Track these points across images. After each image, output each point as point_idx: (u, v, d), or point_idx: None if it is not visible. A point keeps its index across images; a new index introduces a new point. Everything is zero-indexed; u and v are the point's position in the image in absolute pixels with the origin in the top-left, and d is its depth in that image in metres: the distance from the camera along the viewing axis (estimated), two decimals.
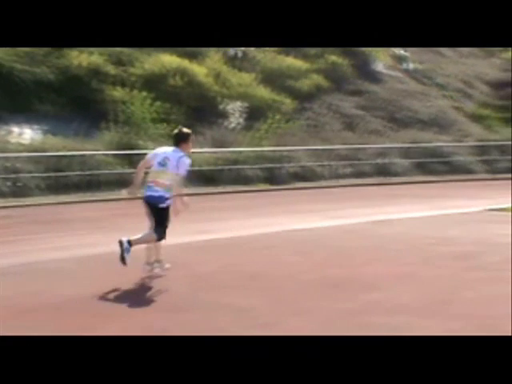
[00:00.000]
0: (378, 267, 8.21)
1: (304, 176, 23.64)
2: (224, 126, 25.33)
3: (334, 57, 30.51)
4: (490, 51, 35.71)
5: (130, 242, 7.35)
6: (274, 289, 7.13)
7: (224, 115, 26.18)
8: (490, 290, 6.89)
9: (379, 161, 25.31)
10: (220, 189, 20.95)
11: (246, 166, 22.73)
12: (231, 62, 28.76)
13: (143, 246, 7.77)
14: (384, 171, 24.85)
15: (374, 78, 31.47)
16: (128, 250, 7.30)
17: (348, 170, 24.77)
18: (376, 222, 12.50)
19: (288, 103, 27.56)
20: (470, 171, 26.15)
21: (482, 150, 27.35)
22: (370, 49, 31.62)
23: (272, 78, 28.25)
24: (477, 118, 30.56)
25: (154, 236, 7.56)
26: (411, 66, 33.53)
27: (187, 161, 7.61)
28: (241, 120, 26.11)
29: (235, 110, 26.34)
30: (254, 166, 22.90)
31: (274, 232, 11.31)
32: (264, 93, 27.25)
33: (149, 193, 7.59)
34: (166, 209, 7.58)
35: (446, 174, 25.10)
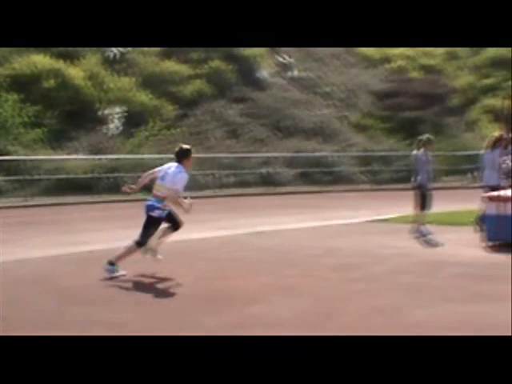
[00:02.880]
0: (259, 279, 8.27)
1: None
2: (101, 132, 24.92)
3: (218, 62, 30.65)
4: (373, 62, 36.93)
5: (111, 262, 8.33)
6: (149, 303, 7.03)
7: (102, 120, 25.75)
8: (370, 302, 7.07)
9: (263, 170, 25.61)
10: (96, 198, 20.53)
11: (124, 174, 22.40)
12: (109, 64, 28.33)
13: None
14: (268, 181, 25.17)
15: (258, 85, 31.84)
16: (113, 271, 8.28)
17: (231, 180, 24.94)
18: (259, 233, 12.63)
19: (169, 109, 27.47)
20: (353, 181, 26.93)
21: (365, 160, 28.24)
22: (254, 55, 31.99)
23: (153, 83, 28.06)
24: (360, 128, 31.51)
25: (135, 245, 8.47)
26: (296, 73, 34.17)
27: (185, 176, 8.57)
28: (119, 126, 25.76)
29: (114, 116, 25.98)
30: (132, 175, 22.59)
31: None
32: (144, 98, 27.03)
33: (147, 202, 8.59)
34: (156, 219, 8.47)
35: (329, 184, 25.73)
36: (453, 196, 19.25)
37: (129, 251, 8.48)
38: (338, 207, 18.30)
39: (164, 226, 8.78)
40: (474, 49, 37.18)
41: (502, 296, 7.18)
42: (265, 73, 32.96)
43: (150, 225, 8.49)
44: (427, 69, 36.66)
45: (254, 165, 25.95)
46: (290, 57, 34.55)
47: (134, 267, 8.60)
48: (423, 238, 11.79)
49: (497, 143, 11.90)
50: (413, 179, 12.71)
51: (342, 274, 8.59)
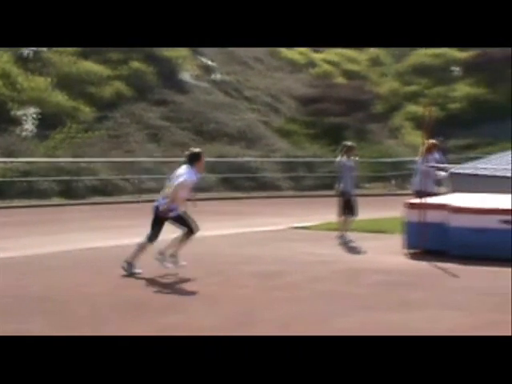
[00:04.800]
0: (178, 287, 8.26)
1: (104, 190, 23.26)
2: (14, 134, 24.31)
3: (138, 63, 30.37)
4: (298, 66, 37.30)
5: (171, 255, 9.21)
6: (64, 313, 6.92)
7: (14, 122, 25.11)
8: (291, 310, 7.15)
9: None
10: (7, 202, 20.05)
11: (38, 178, 21.95)
12: (23, 63, 27.70)
13: None
14: None
15: (180, 87, 31.68)
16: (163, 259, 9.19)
17: (152, 185, 24.70)
18: None
19: (87, 111, 27.02)
20: (276, 187, 27.09)
21: (289, 166, 28.48)
22: (176, 57, 31.83)
23: (69, 83, 27.54)
24: (284, 134, 31.72)
25: (188, 231, 9.19)
26: (219, 77, 34.19)
27: (192, 176, 9.31)
28: (34, 128, 25.21)
29: (27, 117, 25.37)
30: (47, 178, 22.18)
31: (66, 250, 11.00)
32: (60, 99, 26.50)
33: (156, 203, 9.49)
34: (176, 217, 9.19)
35: (252, 190, 25.82)
36: (376, 203, 19.62)
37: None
38: (261, 214, 18.39)
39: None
40: (397, 56, 38.12)
41: (422, 303, 7.38)
42: (187, 75, 32.80)
43: (179, 222, 9.23)
44: (351, 74, 37.29)
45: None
46: (212, 59, 34.55)
47: (49, 275, 8.45)
48: (346, 245, 11.98)
49: (431, 150, 12.39)
50: (336, 186, 12.91)
51: (263, 281, 8.65)
